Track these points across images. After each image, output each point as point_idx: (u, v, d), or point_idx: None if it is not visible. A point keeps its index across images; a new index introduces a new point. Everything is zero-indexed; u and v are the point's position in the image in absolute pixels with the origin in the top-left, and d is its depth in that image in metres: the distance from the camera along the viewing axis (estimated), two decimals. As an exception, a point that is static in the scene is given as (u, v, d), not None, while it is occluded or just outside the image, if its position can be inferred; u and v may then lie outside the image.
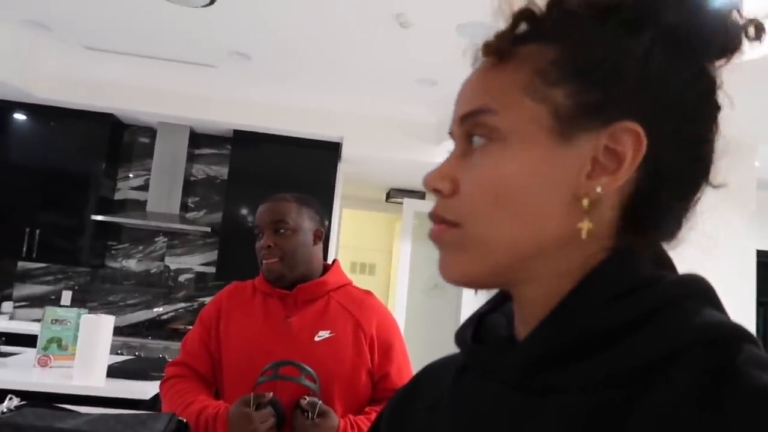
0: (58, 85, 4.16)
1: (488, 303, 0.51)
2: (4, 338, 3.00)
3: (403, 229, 5.59)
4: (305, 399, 1.28)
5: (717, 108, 0.43)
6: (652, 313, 0.38)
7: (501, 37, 0.44)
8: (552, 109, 0.41)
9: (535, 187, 0.41)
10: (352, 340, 1.40)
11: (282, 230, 1.42)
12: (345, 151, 4.47)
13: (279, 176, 4.33)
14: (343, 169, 4.70)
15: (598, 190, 0.40)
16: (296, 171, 4.36)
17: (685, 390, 0.34)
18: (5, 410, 1.13)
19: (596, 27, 0.41)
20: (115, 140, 4.53)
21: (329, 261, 1.60)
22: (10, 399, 1.15)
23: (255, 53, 3.70)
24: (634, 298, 0.39)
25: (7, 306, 4.35)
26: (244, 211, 4.43)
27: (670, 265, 0.44)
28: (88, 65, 4.12)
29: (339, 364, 1.37)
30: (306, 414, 1.27)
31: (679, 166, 0.41)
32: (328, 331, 1.39)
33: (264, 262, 1.44)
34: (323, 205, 4.40)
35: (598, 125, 0.40)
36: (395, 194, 5.88)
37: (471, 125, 0.44)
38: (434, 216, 0.45)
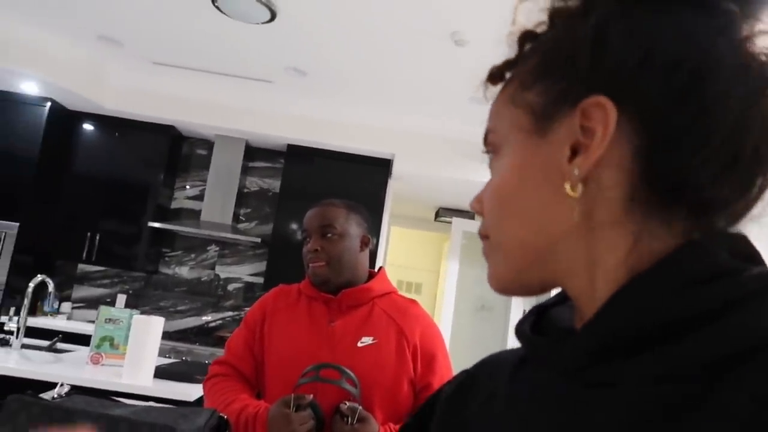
0: (125, 97, 4.37)
1: (554, 296, 0.51)
2: (61, 336, 3.11)
3: (452, 249, 5.54)
4: (345, 404, 1.27)
5: (706, 53, 0.39)
6: (728, 306, 0.35)
7: (504, 62, 0.49)
8: (528, 110, 0.44)
9: (526, 186, 0.43)
10: (395, 347, 1.38)
11: (329, 235, 1.43)
12: (396, 168, 4.49)
13: (330, 191, 4.33)
14: (393, 186, 4.71)
15: (576, 172, 0.40)
16: (347, 186, 4.41)
17: (762, 394, 0.31)
18: (56, 396, 1.17)
19: (560, 23, 0.44)
20: (175, 151, 4.70)
21: (376, 269, 1.59)
22: (62, 386, 1.18)
23: (311, 69, 3.78)
24: (706, 288, 0.36)
25: (66, 306, 4.54)
26: (294, 224, 4.49)
27: (754, 257, 0.40)
28: (153, 79, 4.31)
29: (381, 371, 1.35)
30: (345, 419, 1.26)
31: (682, 125, 0.38)
32: (371, 338, 1.38)
33: (310, 265, 1.44)
34: (372, 222, 4.49)
35: (567, 110, 0.41)
36: (444, 213, 5.86)
37: (486, 147, 0.49)
38: (480, 234, 0.49)
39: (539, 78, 0.44)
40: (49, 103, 4.24)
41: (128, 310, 2.77)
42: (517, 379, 0.48)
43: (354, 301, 1.44)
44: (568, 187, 0.40)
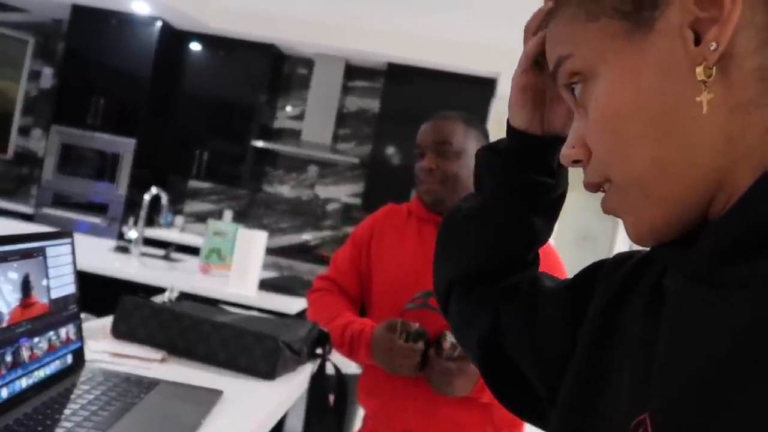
0: (229, 15, 4.39)
1: None
2: (174, 246, 3.31)
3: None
4: (446, 337, 1.20)
5: None
6: None
7: None
8: (614, 14, 0.38)
9: (646, 95, 0.37)
10: None
11: (445, 152, 1.31)
12: (500, 88, 4.26)
13: (429, 111, 4.25)
14: (496, 108, 4.49)
15: (713, 47, 0.34)
16: (447, 107, 4.22)
17: None
18: (166, 300, 1.21)
19: None
20: (276, 71, 4.72)
21: None
22: (171, 291, 1.22)
23: (414, -19, 3.57)
24: None
25: (179, 220, 4.83)
26: (393, 145, 4.44)
27: None
28: (255, -5, 4.28)
29: None
30: (444, 353, 1.19)
31: None
32: None
33: (423, 184, 1.34)
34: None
35: None
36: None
37: (563, 81, 0.42)
38: (590, 187, 0.43)
39: None
40: (159, 23, 4.35)
41: (234, 223, 2.87)
42: (655, 285, 0.44)
43: None
44: (700, 71, 0.35)
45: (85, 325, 1.11)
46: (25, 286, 0.71)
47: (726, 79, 0.35)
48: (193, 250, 3.67)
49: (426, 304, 1.24)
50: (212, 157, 4.57)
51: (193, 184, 4.93)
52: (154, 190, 3.00)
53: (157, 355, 0.97)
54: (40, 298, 0.74)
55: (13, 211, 4.48)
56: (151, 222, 4.47)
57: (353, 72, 4.70)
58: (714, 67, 0.35)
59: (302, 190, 4.84)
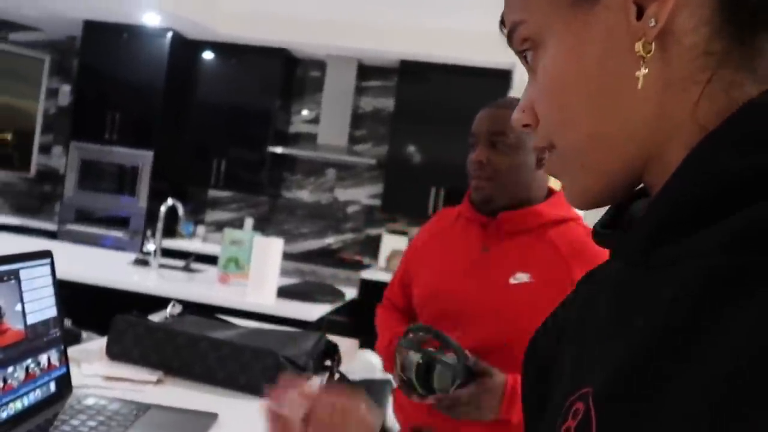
0: (238, 21, 4.36)
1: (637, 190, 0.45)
2: (194, 257, 3.29)
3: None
4: (437, 375, 1.03)
5: None
6: None
7: None
8: None
9: (588, 67, 0.38)
10: (556, 291, 1.08)
11: (499, 144, 1.14)
12: (516, 80, 4.15)
13: (445, 107, 4.19)
14: (513, 100, 4.39)
15: (652, 23, 0.35)
16: (463, 102, 4.13)
17: None
18: (168, 316, 1.16)
19: None
20: (289, 75, 4.69)
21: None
22: (173, 305, 1.17)
23: (422, -26, 3.49)
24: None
25: (201, 230, 4.83)
26: (410, 144, 4.36)
27: None
28: (263, 0, 4.24)
29: (530, 320, 1.08)
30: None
31: None
32: (528, 275, 1.11)
33: (473, 179, 1.18)
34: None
35: None
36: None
37: (516, 46, 0.43)
38: (536, 150, 0.44)
39: None
40: (170, 33, 4.36)
41: (250, 231, 2.83)
42: (593, 276, 0.47)
43: (515, 225, 1.16)
44: (639, 46, 0.36)
45: (83, 347, 1.06)
46: (-6, 313, 0.66)
47: (664, 55, 0.36)
48: (214, 260, 3.65)
49: (412, 344, 1.06)
50: (230, 165, 4.55)
51: (213, 193, 4.92)
52: (170, 201, 2.98)
53: (152, 376, 0.92)
54: (13, 325, 0.69)
55: (38, 228, 4.53)
56: (173, 233, 4.47)
57: (366, 71, 4.64)
58: (653, 43, 0.36)
59: (321, 193, 4.80)
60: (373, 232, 4.70)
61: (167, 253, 3.75)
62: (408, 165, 4.33)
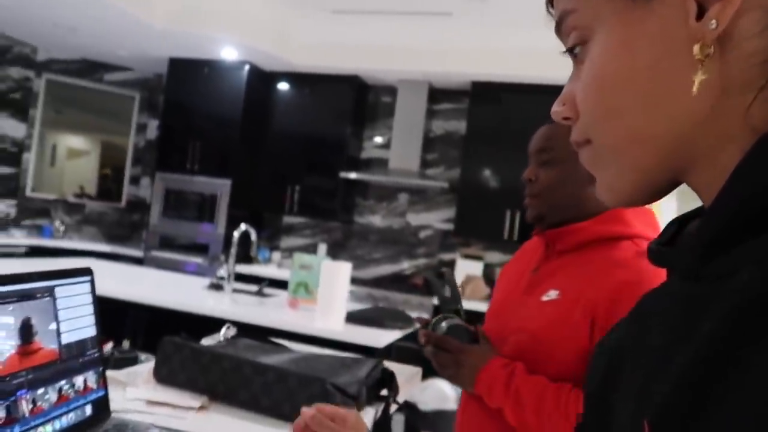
0: (311, 52, 4.47)
1: (697, 208, 0.44)
2: (267, 282, 3.32)
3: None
4: (438, 324, 1.12)
5: None
6: None
7: None
8: None
9: (637, 64, 0.36)
10: (578, 309, 1.03)
11: (543, 161, 1.13)
12: (594, 96, 3.98)
13: (518, 128, 4.05)
14: (592, 118, 4.20)
15: (713, 26, 0.33)
16: (537, 122, 4.00)
17: None
18: (222, 339, 1.13)
19: None
20: (361, 101, 4.73)
21: None
22: (228, 328, 1.14)
23: (492, -7, 3.43)
24: None
25: (276, 256, 4.91)
26: (482, 167, 4.25)
27: None
28: (335, 30, 4.33)
29: (549, 332, 1.05)
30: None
31: None
32: (558, 292, 1.08)
33: (526, 198, 1.17)
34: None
35: None
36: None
37: (564, 36, 0.42)
38: (573, 144, 0.43)
39: None
40: (246, 66, 4.52)
41: (320, 256, 2.82)
42: (651, 295, 0.44)
43: (564, 245, 1.12)
44: (697, 49, 0.34)
45: (134, 369, 1.05)
46: (25, 331, 0.64)
47: (723, 59, 0.34)
48: (288, 285, 3.68)
49: (437, 327, 1.12)
50: (304, 191, 4.62)
51: (288, 219, 5.01)
52: (243, 226, 3.03)
53: (196, 402, 0.88)
54: (46, 344, 0.67)
55: (126, 255, 4.77)
56: (249, 259, 4.57)
57: (437, 95, 4.60)
58: (712, 47, 0.34)
59: (393, 218, 4.76)
60: (446, 256, 4.60)
61: (243, 278, 3.83)
62: (481, 188, 4.22)
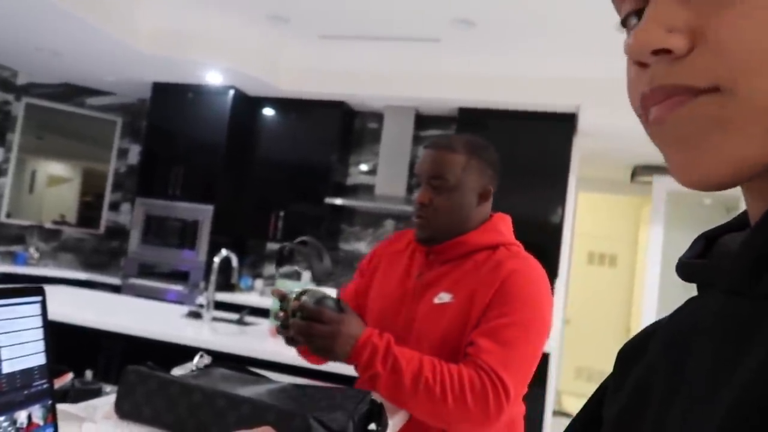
0: (298, 77, 4.43)
1: (727, 223, 0.38)
2: (248, 310, 3.21)
3: (654, 213, 4.82)
4: (300, 294, 1.14)
5: None
6: None
7: None
8: None
9: None
10: (465, 308, 1.17)
11: (440, 187, 1.22)
12: (582, 123, 3.96)
13: (506, 156, 4.02)
14: (579, 145, 4.18)
15: None
16: (525, 149, 4.00)
17: None
18: (194, 368, 1.03)
19: None
20: (347, 127, 4.69)
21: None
22: (201, 356, 1.05)
23: (479, 19, 3.43)
24: None
25: (259, 283, 4.79)
26: (470, 193, 4.21)
27: None
28: (322, 55, 4.30)
29: (442, 333, 1.18)
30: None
31: None
32: (450, 295, 1.20)
33: (416, 218, 1.25)
34: (555, 188, 4.04)
35: None
36: (642, 172, 5.10)
37: None
38: (668, 89, 0.30)
39: None
40: (231, 91, 4.47)
41: (304, 283, 2.72)
42: (677, 313, 0.39)
43: (448, 255, 1.25)
44: None
45: (95, 402, 0.95)
46: (-46, 359, 0.55)
47: None
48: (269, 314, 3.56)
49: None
50: (289, 218, 4.54)
51: (272, 246, 4.90)
52: (224, 252, 2.93)
53: (161, 440, 0.78)
54: (-20, 374, 0.58)
55: (103, 282, 4.61)
56: (231, 287, 4.44)
57: (424, 121, 4.57)
58: None
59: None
60: (433, 285, 4.52)
61: (224, 306, 3.70)
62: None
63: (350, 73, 4.32)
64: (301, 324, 1.08)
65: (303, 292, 1.13)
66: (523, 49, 3.79)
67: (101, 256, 5.23)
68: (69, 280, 4.38)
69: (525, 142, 4.03)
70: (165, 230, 4.54)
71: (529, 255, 1.25)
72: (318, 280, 1.19)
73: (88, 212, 5.21)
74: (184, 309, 3.16)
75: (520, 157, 3.96)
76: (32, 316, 0.66)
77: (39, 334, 0.67)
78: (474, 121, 4.20)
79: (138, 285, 4.51)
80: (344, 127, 4.62)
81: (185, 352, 2.31)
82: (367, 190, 4.65)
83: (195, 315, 2.93)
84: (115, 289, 4.52)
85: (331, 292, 2.37)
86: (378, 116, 4.65)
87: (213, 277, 2.92)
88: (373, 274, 1.37)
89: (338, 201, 4.36)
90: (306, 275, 4.65)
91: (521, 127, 4.09)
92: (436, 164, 1.22)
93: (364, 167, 4.75)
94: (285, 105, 4.62)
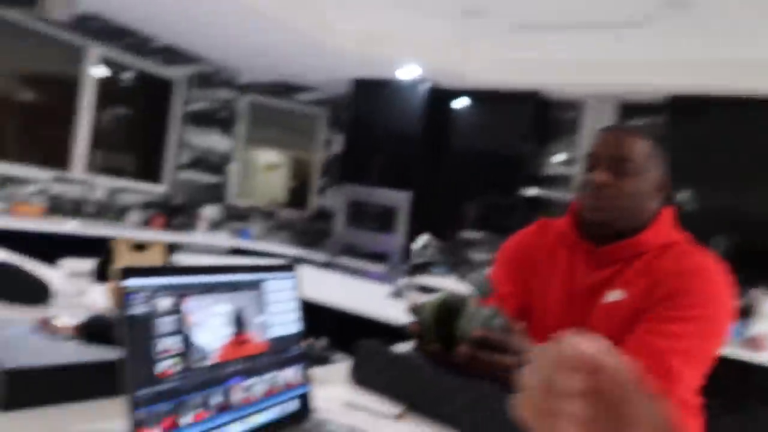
0: (490, 68, 4.40)
1: None
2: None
3: None
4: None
5: None
6: None
7: None
8: None
9: None
10: (641, 304, 1.09)
11: (625, 169, 1.12)
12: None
13: (724, 147, 3.59)
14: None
15: None
16: (749, 140, 3.51)
17: None
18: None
19: None
20: (542, 118, 4.56)
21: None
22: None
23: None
24: None
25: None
26: (682, 188, 3.81)
27: None
28: (514, 46, 4.21)
29: (620, 332, 1.08)
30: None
31: None
32: (622, 292, 1.12)
33: (590, 199, 1.14)
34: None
35: None
36: None
37: None
38: None
39: None
40: (426, 84, 4.61)
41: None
42: None
43: (618, 256, 1.16)
44: None
45: (328, 368, 1.06)
46: (238, 322, 0.65)
47: None
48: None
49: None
50: (483, 207, 4.56)
51: (467, 234, 4.97)
52: (424, 237, 3.04)
53: (394, 409, 0.85)
54: (255, 336, 0.68)
55: (312, 260, 5.09)
56: (428, 271, 4.60)
57: (629, 110, 4.24)
58: None
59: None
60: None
61: (422, 289, 3.85)
62: (679, 211, 3.79)
63: (543, 62, 4.17)
64: (480, 353, 0.81)
65: (477, 311, 0.87)
66: (745, 29, 3.31)
67: (310, 235, 5.78)
68: (285, 255, 4.93)
69: (749, 132, 3.54)
70: (366, 214, 4.86)
71: (708, 251, 1.14)
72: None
73: (296, 196, 5.81)
74: (388, 288, 3.35)
75: (746, 148, 3.49)
76: (288, 290, 0.76)
77: (293, 305, 0.76)
78: (689, 110, 3.79)
79: (344, 263, 4.90)
80: (538, 117, 4.49)
81: (387, 330, 2.46)
82: (564, 181, 4.47)
83: (397, 295, 3.09)
84: (324, 265, 4.96)
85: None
86: (574, 105, 4.43)
87: (412, 261, 3.05)
88: (522, 268, 1.29)
89: (533, 192, 4.26)
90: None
91: (745, 115, 3.59)
92: (622, 146, 1.13)
93: (561, 158, 4.57)
94: (477, 96, 4.63)
